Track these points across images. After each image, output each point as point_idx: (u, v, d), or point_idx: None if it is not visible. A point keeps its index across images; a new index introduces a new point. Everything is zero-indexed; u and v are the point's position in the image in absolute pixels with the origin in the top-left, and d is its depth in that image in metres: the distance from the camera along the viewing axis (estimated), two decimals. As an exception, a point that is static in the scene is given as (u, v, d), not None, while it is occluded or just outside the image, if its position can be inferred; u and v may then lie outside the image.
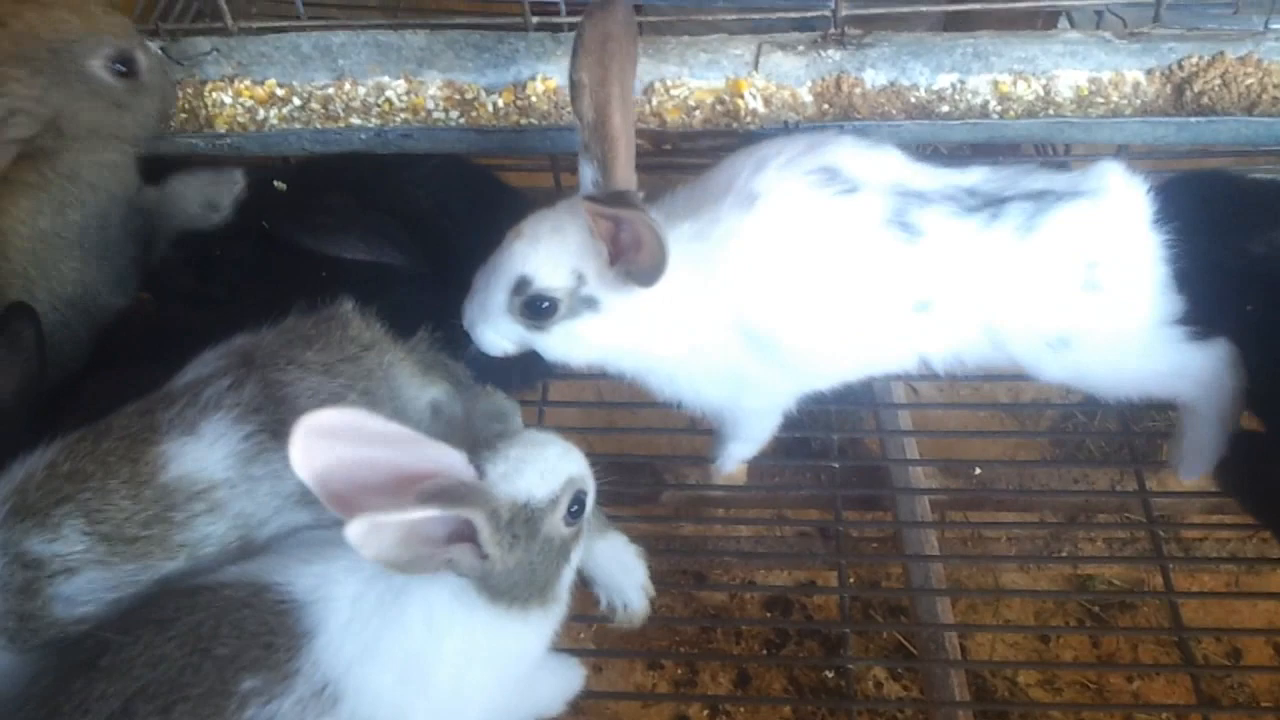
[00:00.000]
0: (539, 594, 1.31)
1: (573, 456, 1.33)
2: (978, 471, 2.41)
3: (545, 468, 1.28)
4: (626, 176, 1.46)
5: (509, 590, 1.28)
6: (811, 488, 2.11)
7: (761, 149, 1.59)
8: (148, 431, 1.39)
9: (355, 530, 1.09)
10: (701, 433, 1.89)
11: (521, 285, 1.49)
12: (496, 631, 1.30)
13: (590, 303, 1.50)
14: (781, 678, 2.59)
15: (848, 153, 1.57)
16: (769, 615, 2.69)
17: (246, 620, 1.26)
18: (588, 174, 1.47)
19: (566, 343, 1.54)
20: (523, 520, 1.26)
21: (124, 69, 1.72)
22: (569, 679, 1.59)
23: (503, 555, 1.23)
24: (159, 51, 1.82)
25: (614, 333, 1.54)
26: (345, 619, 1.28)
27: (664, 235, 1.37)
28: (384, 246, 1.76)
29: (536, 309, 1.50)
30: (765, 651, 2.64)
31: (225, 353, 1.47)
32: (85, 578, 1.35)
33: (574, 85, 1.45)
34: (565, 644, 1.81)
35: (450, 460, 1.23)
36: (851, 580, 2.39)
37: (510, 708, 1.44)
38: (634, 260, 1.43)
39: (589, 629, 2.54)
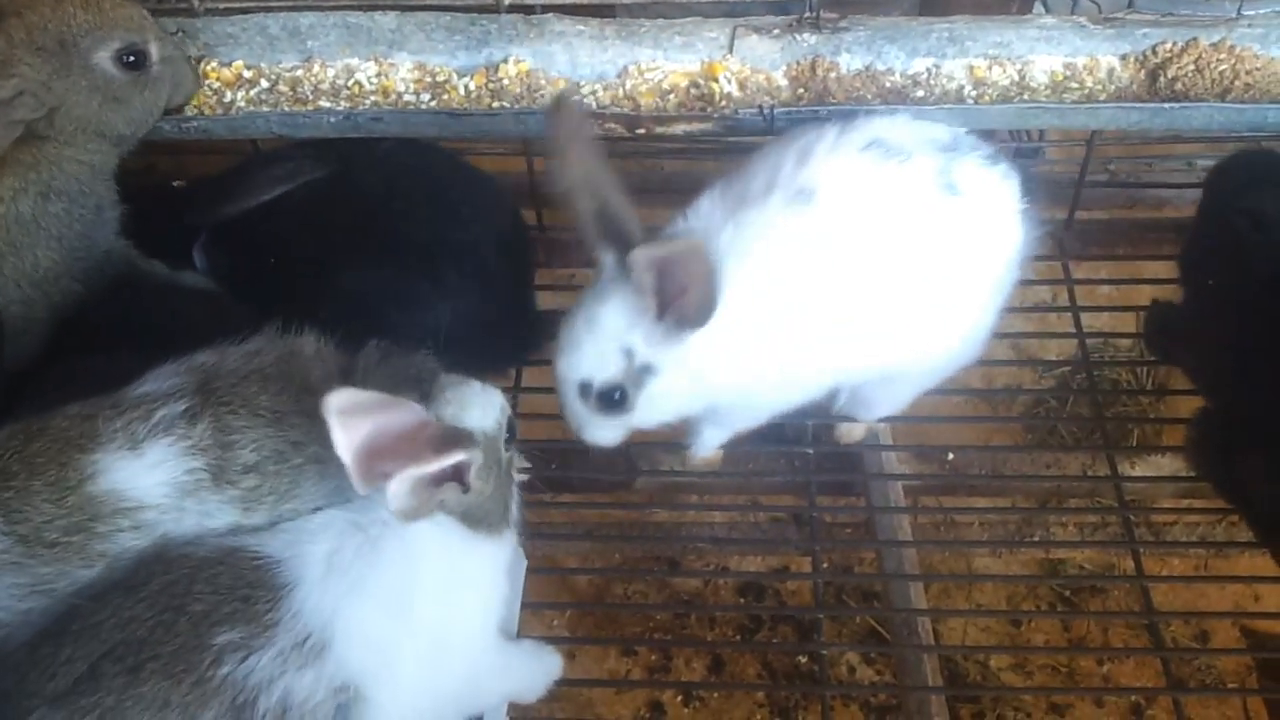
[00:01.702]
0: (502, 514, 1.44)
1: (490, 388, 1.43)
2: (950, 457, 2.41)
3: (481, 401, 1.39)
4: (641, 238, 1.49)
5: (484, 517, 1.40)
6: (785, 474, 2.10)
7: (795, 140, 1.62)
8: (84, 438, 1.35)
9: (397, 486, 1.22)
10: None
11: (585, 389, 1.54)
12: (473, 554, 1.41)
13: (648, 369, 1.55)
14: (755, 663, 2.60)
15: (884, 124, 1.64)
16: (742, 601, 2.70)
17: (221, 576, 1.28)
18: (607, 256, 1.52)
19: (651, 409, 1.59)
20: (490, 450, 1.37)
21: (133, 61, 1.73)
22: (547, 665, 1.62)
23: (482, 486, 1.35)
24: (177, 41, 1.82)
25: (679, 383, 1.58)
26: (322, 572, 1.32)
27: (714, 262, 1.42)
28: (296, 166, 1.83)
29: (610, 401, 1.55)
30: (739, 637, 2.64)
31: (185, 369, 1.44)
32: (3, 580, 1.31)
33: (569, 192, 1.48)
34: (539, 631, 1.82)
35: (422, 416, 1.32)
36: (825, 566, 2.40)
37: (488, 673, 1.50)
38: (683, 305, 1.46)
39: (563, 615, 2.54)
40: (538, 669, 1.61)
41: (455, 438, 1.30)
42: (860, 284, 1.60)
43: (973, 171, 1.63)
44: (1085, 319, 2.27)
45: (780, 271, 1.57)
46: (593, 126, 1.56)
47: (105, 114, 1.74)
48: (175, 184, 2.07)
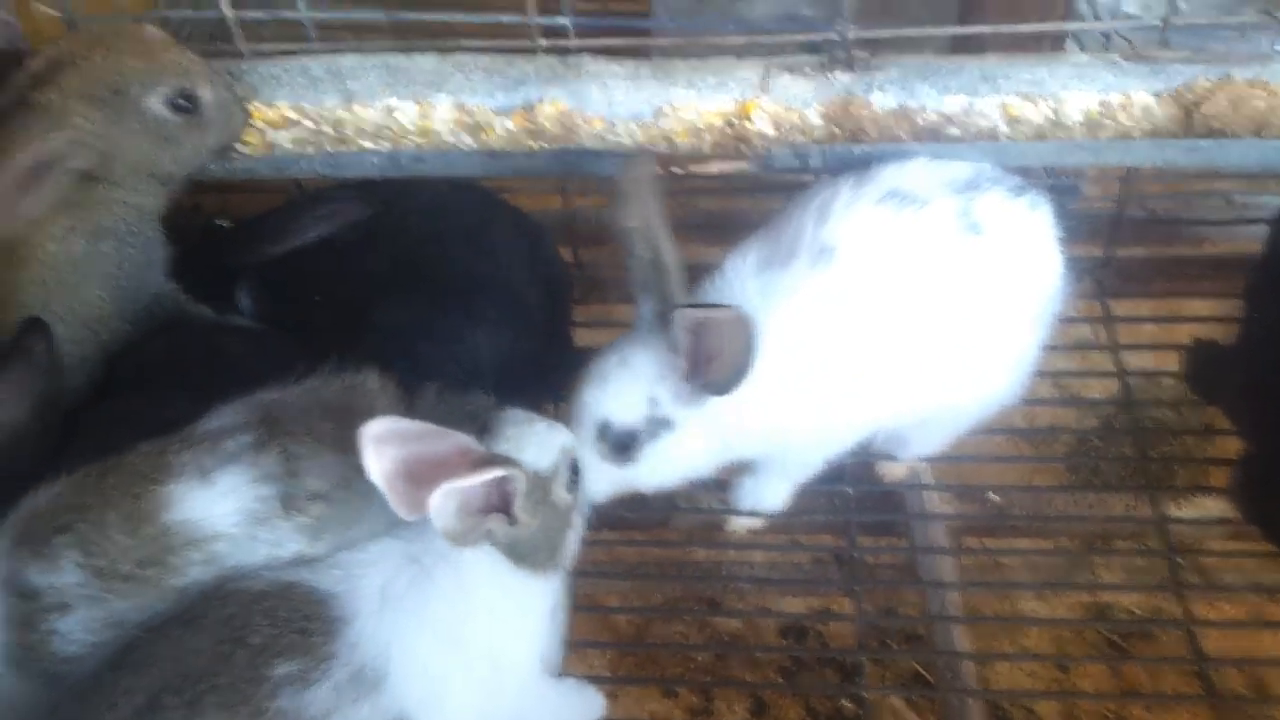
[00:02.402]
0: (551, 556, 1.45)
1: (558, 429, 1.46)
2: (993, 497, 2.38)
3: (540, 440, 1.42)
4: (681, 297, 1.56)
5: (530, 554, 1.42)
6: (824, 512, 2.09)
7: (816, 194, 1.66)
8: (157, 471, 1.40)
9: (438, 498, 1.24)
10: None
11: (604, 428, 1.57)
12: (521, 589, 1.43)
13: (665, 423, 1.58)
14: (798, 706, 2.56)
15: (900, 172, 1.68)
16: (784, 643, 2.66)
17: (279, 609, 1.31)
18: (649, 305, 1.58)
19: (655, 467, 1.62)
20: (538, 487, 1.39)
21: (185, 104, 1.78)
22: (590, 704, 1.65)
23: (528, 520, 1.37)
24: (228, 83, 1.87)
25: (693, 444, 1.62)
26: (376, 605, 1.34)
27: (755, 332, 1.45)
28: (341, 207, 1.85)
29: (621, 446, 1.58)
30: (781, 679, 2.61)
31: (250, 407, 1.48)
32: (79, 614, 1.35)
33: (626, 233, 1.55)
34: (580, 670, 1.81)
35: (465, 444, 1.35)
36: (867, 607, 2.37)
37: (534, 708, 1.52)
38: (713, 370, 1.50)
39: (604, 656, 2.53)
40: (581, 707, 1.63)
41: (494, 460, 1.33)
42: (887, 336, 1.62)
43: (996, 207, 1.64)
44: (1127, 357, 2.25)
45: (805, 332, 1.59)
46: (658, 181, 1.61)
47: (156, 156, 1.79)
48: (220, 223, 2.11)
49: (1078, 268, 2.27)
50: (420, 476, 1.29)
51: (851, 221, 1.61)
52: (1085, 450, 2.73)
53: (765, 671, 2.62)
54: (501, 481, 1.33)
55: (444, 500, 1.26)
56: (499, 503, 1.34)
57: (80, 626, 1.35)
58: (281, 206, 2.02)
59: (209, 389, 1.56)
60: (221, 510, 1.38)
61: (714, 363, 1.49)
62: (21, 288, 1.75)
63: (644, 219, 1.55)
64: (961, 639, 2.05)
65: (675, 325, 1.47)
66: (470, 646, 1.39)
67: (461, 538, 1.31)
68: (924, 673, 2.54)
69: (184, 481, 1.39)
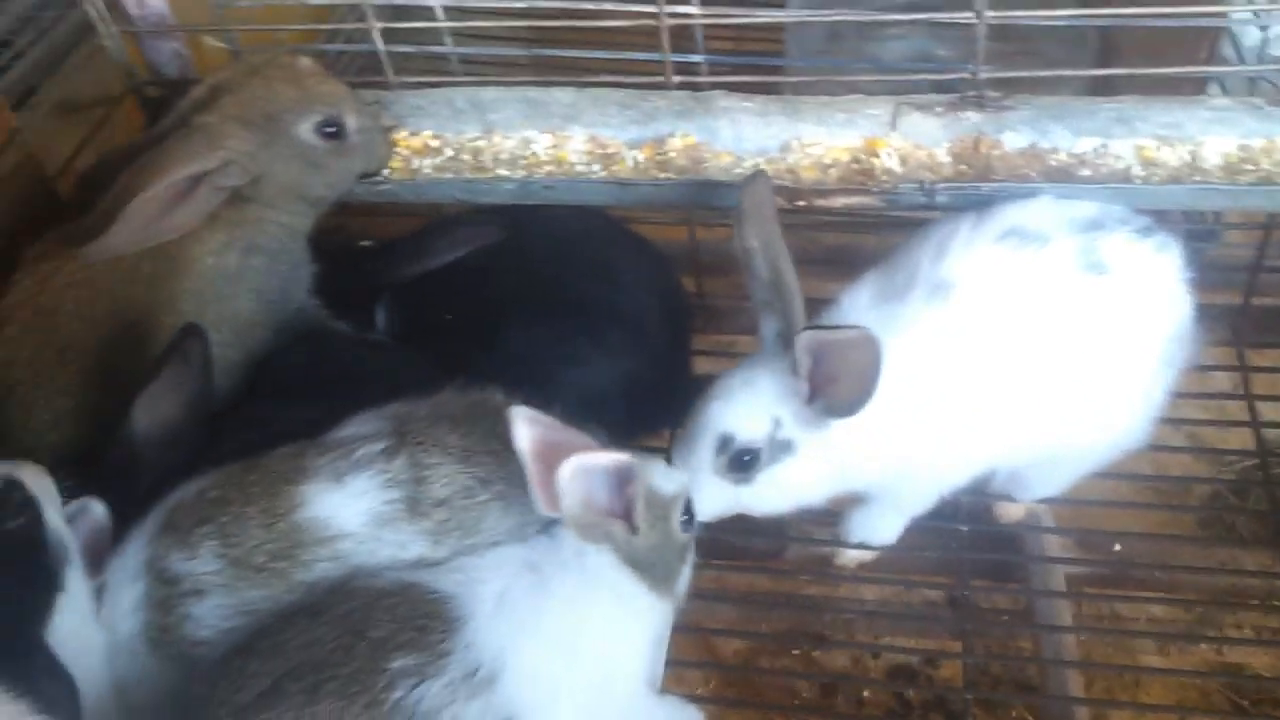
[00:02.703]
0: (666, 580, 1.50)
1: (677, 472, 1.55)
2: (1117, 548, 2.32)
3: (663, 471, 1.50)
4: (804, 320, 1.58)
5: (650, 569, 1.47)
6: (937, 550, 2.07)
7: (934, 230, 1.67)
8: (294, 472, 1.49)
9: (567, 469, 1.33)
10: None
11: (725, 443, 1.58)
12: (635, 604, 1.48)
13: (786, 446, 1.58)
14: (904, 750, 2.53)
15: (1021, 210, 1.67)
16: (892, 683, 2.63)
17: (400, 606, 1.37)
18: (771, 327, 1.60)
19: (770, 490, 1.62)
20: (658, 504, 1.46)
21: (332, 131, 1.88)
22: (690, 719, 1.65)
23: (646, 531, 1.44)
24: (373, 112, 1.98)
25: (811, 471, 1.62)
26: (493, 609, 1.39)
27: (881, 352, 1.45)
28: (476, 231, 1.91)
29: (740, 463, 1.58)
30: (886, 720, 2.58)
31: (382, 416, 1.57)
32: (213, 600, 1.45)
33: (746, 252, 1.59)
34: (684, 691, 1.83)
35: (594, 443, 1.44)
36: (977, 649, 2.33)
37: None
38: (834, 393, 1.51)
39: (707, 685, 2.54)
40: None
41: (621, 454, 1.40)
42: (1003, 373, 1.60)
43: (1121, 247, 1.62)
44: (1263, 408, 2.17)
45: (922, 366, 1.58)
46: (776, 202, 1.63)
47: (305, 179, 1.90)
48: (363, 243, 2.21)
49: (1214, 315, 2.22)
50: (556, 466, 1.36)
51: (970, 258, 1.61)
52: (1217, 503, 2.64)
53: (870, 711, 2.60)
54: (624, 485, 1.40)
55: (572, 477, 1.34)
56: (621, 510, 1.42)
57: (213, 613, 1.45)
58: (419, 229, 2.11)
59: (344, 398, 1.66)
60: (350, 511, 1.47)
61: (836, 384, 1.49)
62: (181, 297, 1.86)
63: (764, 238, 1.57)
64: (1076, 687, 1.99)
65: (797, 347, 1.48)
66: (582, 655, 1.42)
67: (585, 530, 1.40)
68: (1035, 721, 2.48)
69: (318, 483, 1.48)
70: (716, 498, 1.61)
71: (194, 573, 1.45)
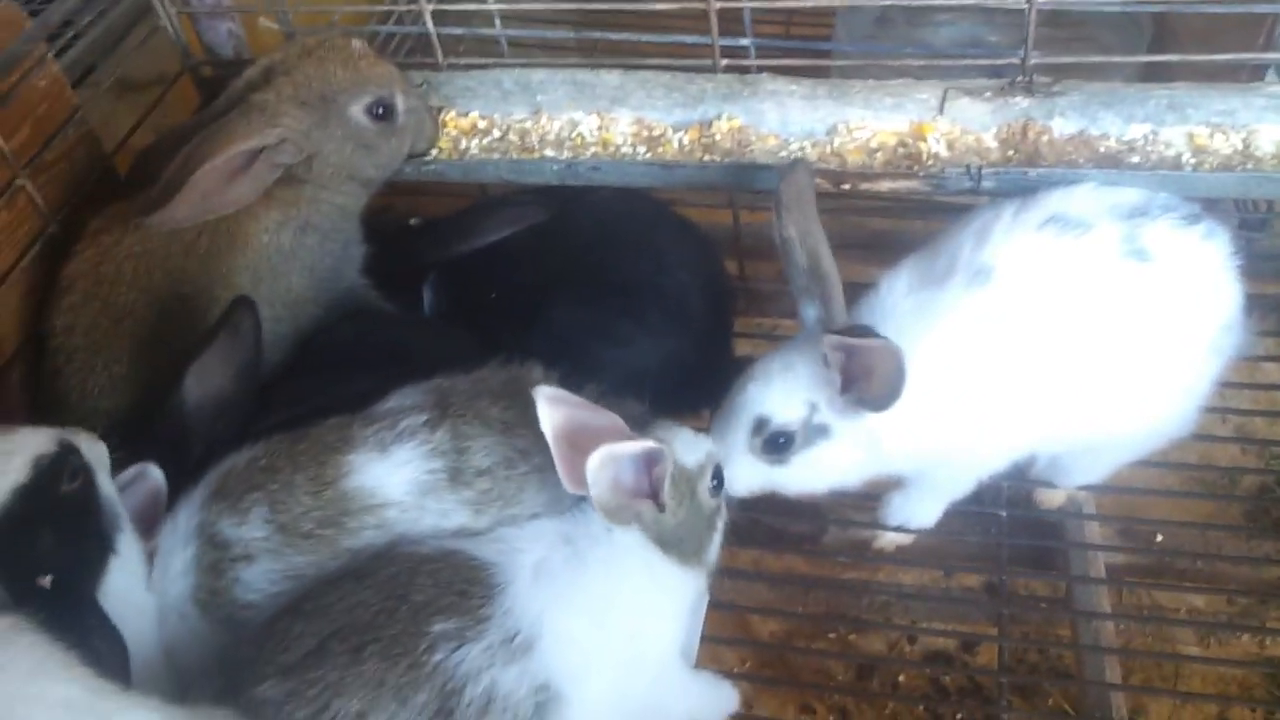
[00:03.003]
0: (695, 553, 1.53)
1: (704, 438, 1.56)
2: (1159, 539, 2.31)
3: (687, 442, 1.52)
4: (843, 306, 1.59)
5: (676, 545, 1.50)
6: (976, 535, 2.07)
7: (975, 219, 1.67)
8: (341, 442, 1.53)
9: (595, 461, 1.36)
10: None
11: (761, 425, 1.61)
12: (666, 577, 1.51)
13: (822, 430, 1.61)
14: (938, 735, 2.53)
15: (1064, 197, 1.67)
16: (928, 671, 2.63)
17: (442, 571, 1.40)
18: (811, 313, 1.62)
19: (805, 472, 1.65)
20: (684, 480, 1.48)
21: (382, 113, 1.92)
22: (725, 696, 1.68)
23: (674, 508, 1.47)
24: (420, 93, 2.01)
25: (845, 456, 1.64)
26: (531, 577, 1.43)
27: (904, 362, 1.47)
28: (522, 211, 1.94)
29: (775, 444, 1.61)
30: (922, 707, 2.58)
31: (426, 390, 1.60)
32: (261, 565, 1.49)
33: (785, 241, 1.60)
34: (719, 668, 1.85)
35: (620, 424, 1.47)
36: (1014, 634, 2.32)
37: (670, 692, 1.57)
38: (866, 389, 1.53)
39: (742, 665, 2.56)
40: (714, 699, 1.66)
41: (647, 439, 1.43)
42: (1043, 359, 1.60)
43: (1165, 235, 1.60)
44: (1314, 400, 2.15)
45: (960, 351, 1.59)
46: (815, 189, 1.64)
47: (356, 159, 1.94)
48: (411, 222, 2.24)
49: (1265, 305, 2.19)
50: (582, 446, 1.40)
51: (1011, 244, 1.61)
52: (1264, 495, 2.61)
53: (906, 695, 2.60)
54: (651, 466, 1.42)
55: (600, 466, 1.37)
56: (649, 489, 1.44)
57: (261, 577, 1.49)
58: (468, 208, 2.14)
59: (389, 373, 1.69)
60: (395, 480, 1.51)
61: (867, 382, 1.51)
62: (236, 272, 1.91)
63: (802, 227, 1.58)
64: (1113, 673, 1.99)
65: (824, 345, 1.51)
66: (615, 624, 1.46)
67: (614, 513, 1.42)
68: (1070, 710, 2.47)
69: (364, 452, 1.52)
70: (750, 477, 1.63)
71: (244, 538, 1.49)
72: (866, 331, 1.47)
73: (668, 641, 1.53)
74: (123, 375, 1.85)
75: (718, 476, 1.55)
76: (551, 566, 1.45)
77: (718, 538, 1.58)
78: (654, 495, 1.45)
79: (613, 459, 1.38)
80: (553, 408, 1.44)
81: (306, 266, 1.97)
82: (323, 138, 1.89)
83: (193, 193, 1.73)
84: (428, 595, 1.37)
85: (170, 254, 1.87)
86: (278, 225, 1.92)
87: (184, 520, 1.53)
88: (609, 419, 1.46)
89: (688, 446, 1.52)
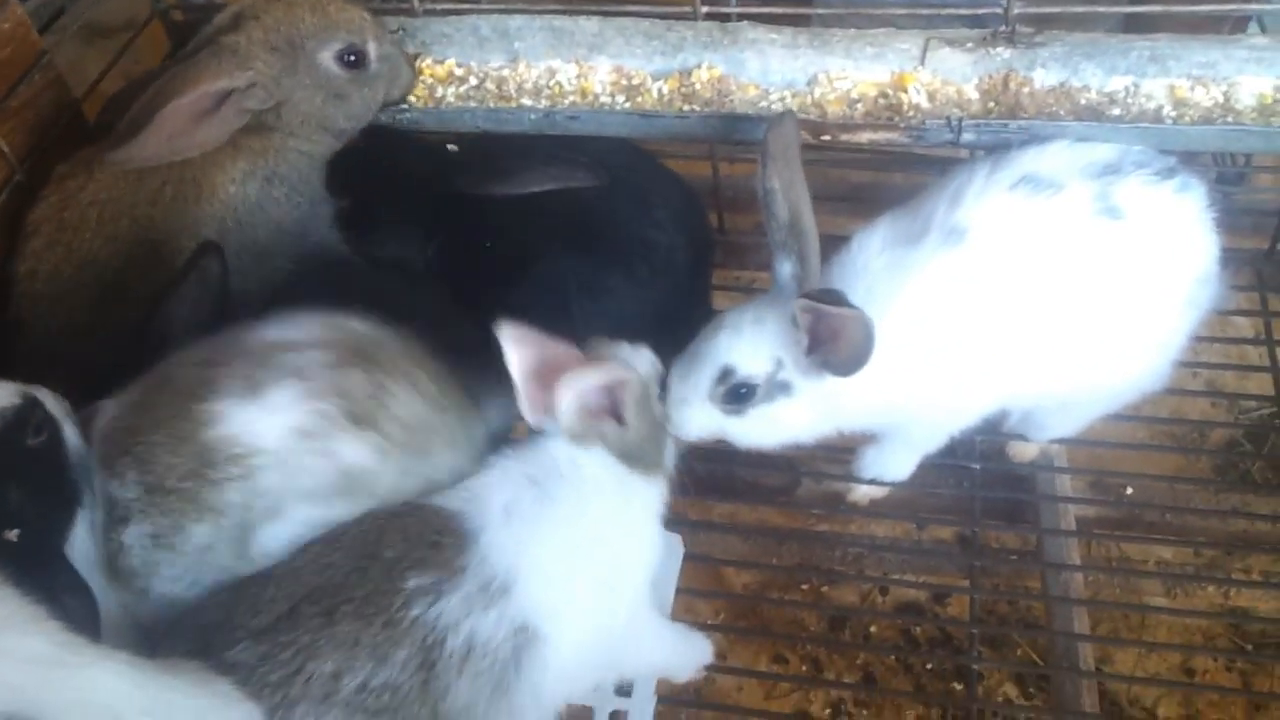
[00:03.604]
0: (656, 461, 1.58)
1: (642, 349, 1.62)
2: (1129, 491, 2.34)
3: (632, 355, 1.59)
4: (819, 265, 1.60)
5: (641, 456, 1.54)
6: (950, 488, 2.09)
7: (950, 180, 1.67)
8: (201, 387, 1.42)
9: (567, 391, 1.40)
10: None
11: (726, 374, 1.60)
12: (633, 490, 1.54)
13: (784, 387, 1.60)
14: (909, 685, 2.57)
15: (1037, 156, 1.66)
16: (899, 623, 2.67)
17: (410, 526, 1.40)
18: (786, 268, 1.61)
19: (759, 426, 1.64)
20: (640, 393, 1.51)
21: (354, 60, 1.88)
22: (699, 647, 1.70)
23: (635, 422, 1.50)
24: (395, 39, 1.97)
25: (804, 415, 1.64)
26: (503, 521, 1.43)
27: (874, 332, 1.46)
28: (572, 170, 1.86)
29: (736, 395, 1.61)
30: (893, 657, 2.62)
31: (327, 327, 1.51)
32: (135, 527, 1.41)
33: (768, 192, 1.58)
34: (693, 620, 1.87)
35: (581, 355, 1.52)
36: (985, 585, 2.35)
37: (645, 633, 1.60)
38: (831, 352, 1.53)
39: (716, 617, 2.58)
40: (689, 648, 1.68)
41: (612, 364, 1.50)
42: (1014, 318, 1.61)
43: (1138, 191, 1.60)
44: (1285, 355, 2.17)
45: (932, 310, 1.59)
46: (802, 144, 1.63)
47: (327, 108, 1.90)
48: (449, 146, 2.13)
49: (1239, 259, 2.20)
50: (545, 379, 1.45)
51: (984, 205, 1.60)
52: (1233, 448, 2.65)
53: (877, 645, 2.64)
54: (615, 389, 1.46)
55: (569, 392, 1.41)
56: (610, 409, 1.49)
57: (135, 540, 1.41)
58: (515, 151, 1.97)
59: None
60: (267, 425, 1.40)
61: (833, 346, 1.51)
62: (203, 222, 1.87)
63: (787, 180, 1.57)
64: (1081, 624, 2.02)
65: (795, 308, 1.50)
66: (589, 556, 1.47)
67: (580, 435, 1.47)
68: (1038, 660, 2.52)
69: (230, 398, 1.40)
70: (705, 423, 1.63)
71: (122, 499, 1.41)
72: (838, 299, 1.46)
73: (641, 564, 1.54)
74: (85, 322, 1.82)
75: (661, 384, 1.61)
76: (521, 507, 1.45)
77: (671, 442, 1.62)
78: (615, 413, 1.49)
79: (581, 387, 1.42)
80: (517, 345, 1.47)
81: (274, 220, 1.94)
82: (292, 85, 1.86)
83: (159, 130, 1.70)
84: (398, 551, 1.36)
85: (136, 202, 1.84)
86: (244, 175, 1.90)
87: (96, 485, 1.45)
88: (567, 350, 1.49)
89: (634, 360, 1.57)
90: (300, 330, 1.50)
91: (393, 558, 1.36)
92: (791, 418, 1.63)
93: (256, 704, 1.25)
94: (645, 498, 1.57)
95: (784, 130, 1.60)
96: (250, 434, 1.39)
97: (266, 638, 1.30)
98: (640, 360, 1.59)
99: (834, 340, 1.50)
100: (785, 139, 1.59)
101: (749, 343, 1.60)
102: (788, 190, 1.57)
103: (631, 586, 1.52)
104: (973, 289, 1.59)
